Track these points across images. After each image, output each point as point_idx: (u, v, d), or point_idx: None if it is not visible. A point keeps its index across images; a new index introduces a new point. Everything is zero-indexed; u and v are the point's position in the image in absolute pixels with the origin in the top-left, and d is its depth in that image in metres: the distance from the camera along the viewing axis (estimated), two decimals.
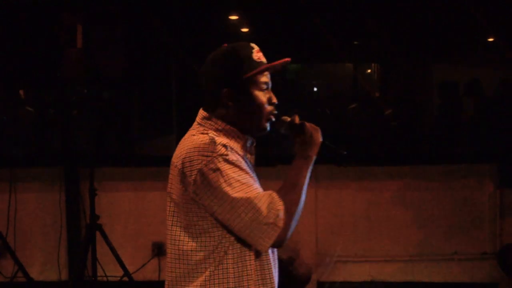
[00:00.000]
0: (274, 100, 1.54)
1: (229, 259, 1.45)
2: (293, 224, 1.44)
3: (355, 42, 5.25)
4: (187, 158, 1.43)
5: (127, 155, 4.57)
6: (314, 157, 1.53)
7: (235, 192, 1.39)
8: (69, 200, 4.16)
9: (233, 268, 1.45)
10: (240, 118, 1.51)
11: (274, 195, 1.42)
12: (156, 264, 4.18)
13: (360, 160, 4.31)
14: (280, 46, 4.77)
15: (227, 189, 1.39)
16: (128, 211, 4.23)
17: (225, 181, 1.40)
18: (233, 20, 5.00)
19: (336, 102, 5.49)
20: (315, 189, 4.18)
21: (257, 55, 1.51)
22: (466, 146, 4.71)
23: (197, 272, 1.46)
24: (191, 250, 1.46)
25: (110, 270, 3.89)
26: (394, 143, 4.78)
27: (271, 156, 3.88)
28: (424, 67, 5.07)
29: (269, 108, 1.53)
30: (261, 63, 1.51)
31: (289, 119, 1.56)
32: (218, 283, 1.45)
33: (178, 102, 4.84)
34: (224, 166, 1.41)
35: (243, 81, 1.48)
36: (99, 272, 3.84)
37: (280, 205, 1.41)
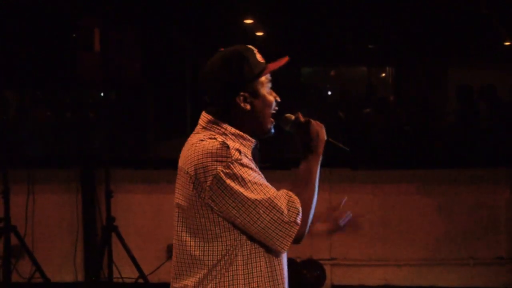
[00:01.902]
0: (278, 98, 1.56)
1: (239, 261, 1.45)
2: (310, 220, 1.47)
3: (370, 46, 5.24)
4: (201, 164, 1.42)
5: (142, 157, 4.60)
6: (321, 153, 1.53)
7: (254, 195, 1.40)
8: (85, 202, 4.20)
9: (243, 270, 1.45)
10: (250, 119, 1.50)
11: (291, 193, 1.44)
12: (171, 266, 4.19)
13: (374, 164, 4.30)
14: (294, 50, 4.78)
15: (246, 192, 1.40)
16: (143, 213, 4.26)
17: (242, 185, 1.40)
18: (248, 23, 5.02)
19: (350, 106, 5.49)
20: (329, 193, 4.18)
21: (259, 56, 1.52)
22: (482, 150, 4.68)
23: (208, 276, 1.45)
24: (202, 256, 1.45)
25: (125, 272, 3.92)
26: (409, 146, 4.76)
27: (286, 159, 3.90)
28: (440, 70, 5.05)
29: (275, 107, 1.55)
30: (264, 63, 1.52)
31: (293, 117, 1.56)
32: (229, 285, 1.44)
33: (192, 105, 4.87)
34: (240, 171, 1.41)
35: (255, 85, 1.49)
36: (115, 274, 3.88)
37: (298, 203, 1.43)
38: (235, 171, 1.40)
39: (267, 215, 1.40)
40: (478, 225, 4.13)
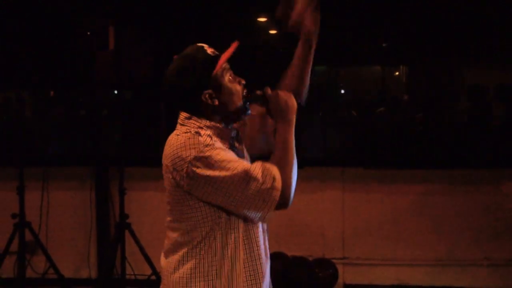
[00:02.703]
0: (243, 81, 1.64)
1: (217, 241, 1.54)
2: (293, 183, 1.53)
3: (383, 45, 5.22)
4: (176, 155, 1.51)
5: (156, 155, 4.62)
6: (294, 120, 1.60)
7: (228, 172, 1.47)
8: (99, 199, 4.24)
9: (221, 249, 1.55)
10: (222, 111, 1.59)
11: (265, 163, 1.52)
12: None
13: (387, 163, 4.28)
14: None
15: (220, 171, 1.47)
16: (156, 210, 4.28)
17: (216, 166, 1.48)
18: (262, 22, 5.03)
19: (363, 105, 5.46)
20: (342, 192, 4.17)
21: (210, 50, 1.59)
22: (498, 151, 4.63)
23: (190, 254, 1.57)
24: (186, 240, 1.56)
25: (138, 268, 3.95)
26: (422, 146, 4.73)
27: (299, 159, 3.89)
28: (454, 70, 5.01)
29: (241, 89, 1.62)
30: (217, 56, 1.59)
31: (261, 92, 1.63)
32: (208, 266, 1.55)
33: None
34: (212, 153, 1.49)
35: (215, 78, 1.57)
36: (128, 270, 3.91)
37: (274, 170, 1.50)
38: (208, 154, 1.48)
39: (244, 186, 1.47)
40: (493, 226, 4.09)
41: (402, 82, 5.70)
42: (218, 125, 1.59)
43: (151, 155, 4.68)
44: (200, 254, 1.55)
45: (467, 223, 4.13)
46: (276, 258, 2.80)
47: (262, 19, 5.01)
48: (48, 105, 5.32)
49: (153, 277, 3.74)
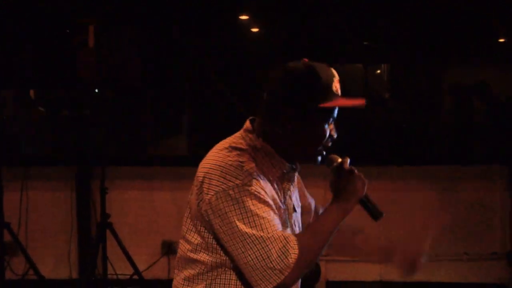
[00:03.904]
0: (334, 134, 1.43)
1: (232, 269, 1.39)
2: (304, 271, 1.35)
3: (365, 43, 5.24)
4: (208, 175, 1.35)
5: (138, 155, 4.60)
6: (349, 210, 1.43)
7: (247, 228, 1.30)
8: (79, 198, 4.20)
9: (236, 278, 1.39)
10: (288, 143, 1.39)
11: (291, 239, 1.33)
12: (165, 263, 4.20)
13: (370, 160, 4.31)
14: (289, 46, 4.78)
15: (240, 222, 1.31)
16: (138, 210, 4.26)
17: (240, 213, 1.31)
18: (244, 20, 5.02)
19: None
20: (325, 190, 4.17)
21: (336, 85, 1.39)
22: (478, 148, 4.69)
23: (200, 278, 1.41)
24: (198, 259, 1.41)
25: (120, 268, 3.92)
26: (404, 144, 4.77)
27: None
28: (435, 68, 5.06)
29: (325, 142, 1.42)
30: (337, 95, 1.39)
31: (340, 160, 1.46)
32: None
33: (190, 103, 4.87)
34: (244, 197, 1.31)
35: (316, 110, 1.36)
36: (109, 270, 3.88)
37: (293, 253, 1.31)
38: (239, 195, 1.31)
39: (253, 253, 1.31)
40: (473, 221, 4.14)
41: (384, 80, 5.74)
42: (274, 152, 1.40)
43: (133, 155, 4.67)
44: (211, 279, 1.39)
45: (448, 219, 4.17)
46: None
47: (244, 17, 5.01)
48: (29, 104, 5.26)
49: (135, 277, 3.71)
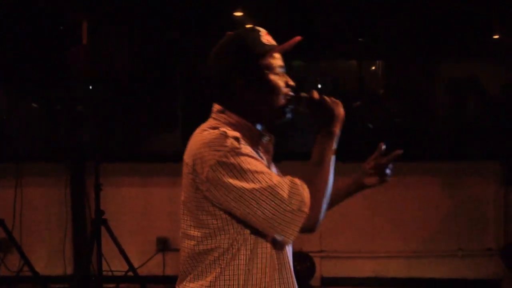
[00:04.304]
0: (291, 82, 1.44)
1: (241, 255, 1.37)
2: (324, 205, 1.34)
3: (360, 39, 5.25)
4: (198, 155, 1.34)
5: (132, 151, 4.59)
6: (338, 133, 1.43)
7: (252, 184, 1.30)
8: (74, 195, 4.19)
9: (245, 265, 1.37)
10: (257, 108, 1.41)
11: (296, 180, 1.33)
12: (160, 259, 4.20)
13: (364, 156, 4.31)
14: (284, 43, 4.78)
15: (243, 182, 1.30)
16: (133, 206, 4.25)
17: (240, 174, 1.30)
18: (238, 16, 5.01)
19: (340, 99, 5.49)
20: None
21: (266, 37, 1.42)
22: (471, 144, 4.70)
23: (210, 270, 1.39)
24: (204, 250, 1.38)
25: (115, 265, 3.92)
26: (398, 140, 4.78)
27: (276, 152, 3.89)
28: (430, 64, 5.07)
29: (286, 90, 1.42)
30: (272, 46, 1.41)
31: (307, 95, 1.44)
32: (229, 279, 1.38)
33: (183, 98, 4.86)
34: (237, 159, 1.31)
35: (257, 68, 1.39)
36: (104, 267, 3.87)
37: (304, 190, 1.31)
38: (232, 160, 1.31)
39: (268, 204, 1.29)
40: (467, 217, 4.16)
41: (379, 77, 5.75)
42: (250, 124, 1.42)
43: (127, 151, 4.66)
44: (221, 267, 1.37)
45: (442, 215, 4.19)
46: None
47: (239, 13, 4.99)
48: (22, 100, 5.24)
49: (130, 273, 3.71)
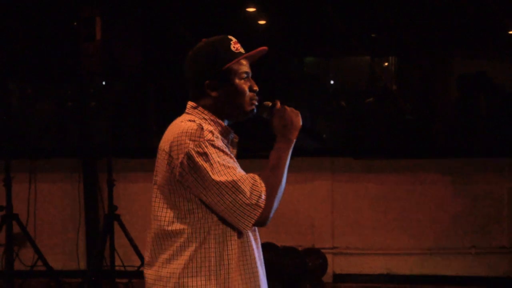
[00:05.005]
0: (255, 87, 1.60)
1: (211, 239, 1.50)
2: (275, 204, 1.51)
3: (373, 35, 5.22)
4: (175, 142, 1.48)
5: (144, 147, 4.61)
6: (294, 141, 1.59)
7: (219, 176, 1.45)
8: (87, 190, 4.21)
9: (215, 247, 1.50)
10: (224, 107, 1.57)
11: (257, 177, 1.49)
12: None
13: (377, 153, 4.29)
14: (297, 39, 4.76)
15: (212, 173, 1.45)
16: (145, 202, 4.26)
17: (211, 165, 1.45)
18: (251, 12, 4.99)
19: (352, 96, 5.46)
20: (332, 182, 4.18)
21: (235, 46, 1.57)
22: (485, 141, 4.66)
23: (181, 252, 1.50)
24: (175, 231, 1.50)
25: (127, 260, 3.93)
26: (411, 136, 4.75)
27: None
28: (443, 60, 5.03)
29: (250, 94, 1.59)
30: (239, 53, 1.57)
31: (270, 104, 1.62)
32: (201, 261, 1.49)
33: None
34: (210, 150, 1.46)
35: (223, 72, 1.55)
36: (117, 262, 3.89)
37: (262, 187, 1.48)
38: (206, 150, 1.46)
39: (230, 196, 1.45)
40: (481, 214, 4.12)
41: (391, 72, 5.71)
42: (220, 121, 1.57)
43: (139, 147, 4.67)
44: (191, 252, 1.49)
45: (455, 212, 4.16)
46: (266, 248, 2.80)
47: (251, 9, 4.98)
48: (35, 97, 5.27)
49: (143, 268, 3.72)
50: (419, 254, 4.15)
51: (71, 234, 4.23)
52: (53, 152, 4.40)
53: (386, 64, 5.87)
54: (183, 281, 1.49)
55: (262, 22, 5.12)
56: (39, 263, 3.92)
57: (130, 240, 3.69)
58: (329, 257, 4.08)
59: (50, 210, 4.27)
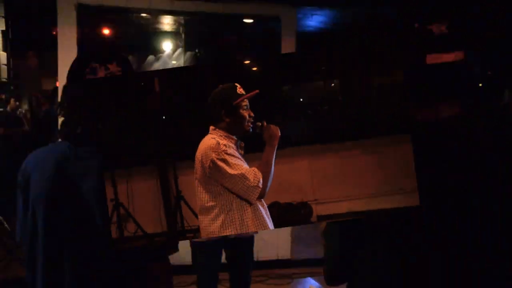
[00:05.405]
0: (252, 114, 2.14)
1: (234, 208, 2.10)
2: (268, 184, 2.09)
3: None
4: (204, 153, 2.06)
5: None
6: (276, 145, 2.13)
7: (233, 171, 2.05)
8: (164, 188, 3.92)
9: (237, 213, 2.10)
10: (233, 128, 2.12)
11: (256, 169, 2.07)
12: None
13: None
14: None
15: (229, 169, 2.04)
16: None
17: (227, 165, 2.04)
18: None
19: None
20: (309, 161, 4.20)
21: (239, 90, 2.10)
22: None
23: (216, 219, 2.11)
24: (211, 206, 2.10)
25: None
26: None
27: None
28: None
29: (248, 119, 2.14)
30: (241, 94, 2.12)
31: (260, 124, 2.16)
32: (230, 223, 2.10)
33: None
34: (226, 157, 2.04)
35: (233, 106, 2.11)
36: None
37: (260, 175, 2.06)
38: (223, 156, 2.04)
39: (241, 181, 2.05)
40: None
41: None
42: (231, 136, 2.13)
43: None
44: (223, 215, 2.09)
45: None
46: (272, 205, 3.18)
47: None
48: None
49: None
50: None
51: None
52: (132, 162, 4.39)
53: None
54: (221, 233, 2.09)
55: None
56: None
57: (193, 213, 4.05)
58: (313, 207, 5.29)
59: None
